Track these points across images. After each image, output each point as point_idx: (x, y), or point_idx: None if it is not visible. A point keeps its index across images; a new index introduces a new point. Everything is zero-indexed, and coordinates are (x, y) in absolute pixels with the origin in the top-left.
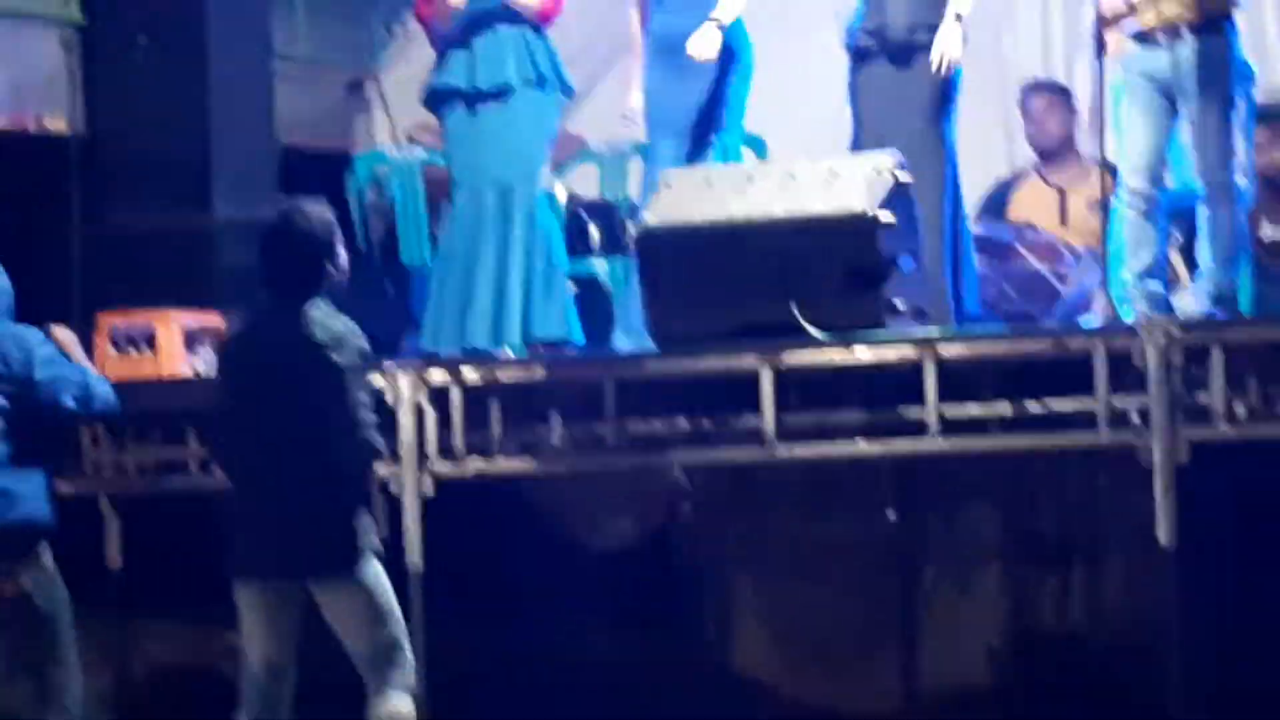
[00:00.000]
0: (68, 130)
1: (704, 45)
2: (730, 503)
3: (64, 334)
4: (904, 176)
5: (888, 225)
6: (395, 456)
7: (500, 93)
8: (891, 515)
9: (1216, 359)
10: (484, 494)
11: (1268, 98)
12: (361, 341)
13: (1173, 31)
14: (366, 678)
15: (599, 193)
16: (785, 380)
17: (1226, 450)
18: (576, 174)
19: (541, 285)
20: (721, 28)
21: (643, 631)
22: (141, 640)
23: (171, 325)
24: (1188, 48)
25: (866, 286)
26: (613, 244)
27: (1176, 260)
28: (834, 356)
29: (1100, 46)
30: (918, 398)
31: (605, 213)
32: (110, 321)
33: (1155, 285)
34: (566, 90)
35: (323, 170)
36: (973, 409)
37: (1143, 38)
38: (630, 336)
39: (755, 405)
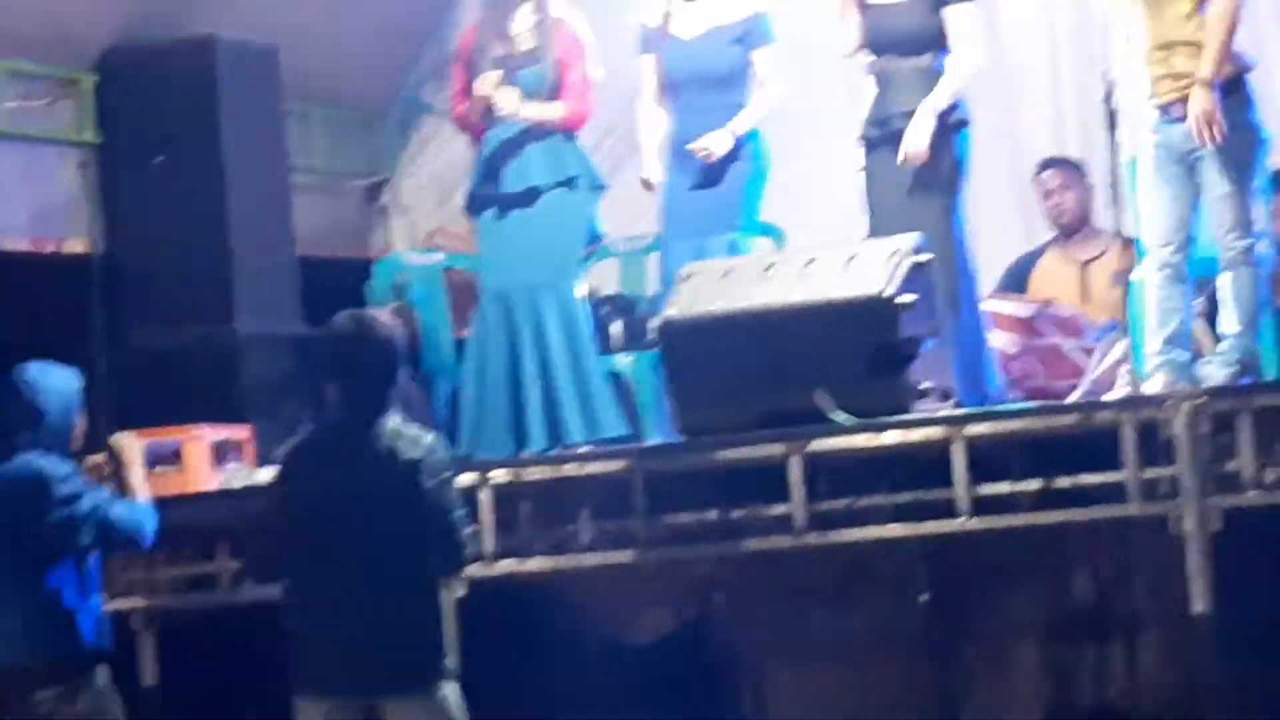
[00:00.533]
0: (88, 251)
1: (715, 145)
2: (764, 593)
3: (127, 443)
4: (922, 258)
5: (908, 307)
6: None
7: (528, 196)
8: (925, 597)
9: (1244, 425)
10: (517, 594)
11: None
12: (445, 450)
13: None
14: None
15: (619, 288)
16: (813, 467)
17: (1259, 516)
18: (596, 270)
19: (593, 384)
20: (736, 136)
21: None
22: None
23: (199, 441)
24: None
25: (890, 369)
26: (634, 339)
27: (1200, 329)
28: (861, 441)
29: (1112, 120)
30: (947, 478)
31: (626, 308)
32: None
33: (1181, 354)
34: (598, 186)
35: (343, 279)
36: (1002, 487)
37: (1162, 109)
38: (659, 431)
39: (784, 493)
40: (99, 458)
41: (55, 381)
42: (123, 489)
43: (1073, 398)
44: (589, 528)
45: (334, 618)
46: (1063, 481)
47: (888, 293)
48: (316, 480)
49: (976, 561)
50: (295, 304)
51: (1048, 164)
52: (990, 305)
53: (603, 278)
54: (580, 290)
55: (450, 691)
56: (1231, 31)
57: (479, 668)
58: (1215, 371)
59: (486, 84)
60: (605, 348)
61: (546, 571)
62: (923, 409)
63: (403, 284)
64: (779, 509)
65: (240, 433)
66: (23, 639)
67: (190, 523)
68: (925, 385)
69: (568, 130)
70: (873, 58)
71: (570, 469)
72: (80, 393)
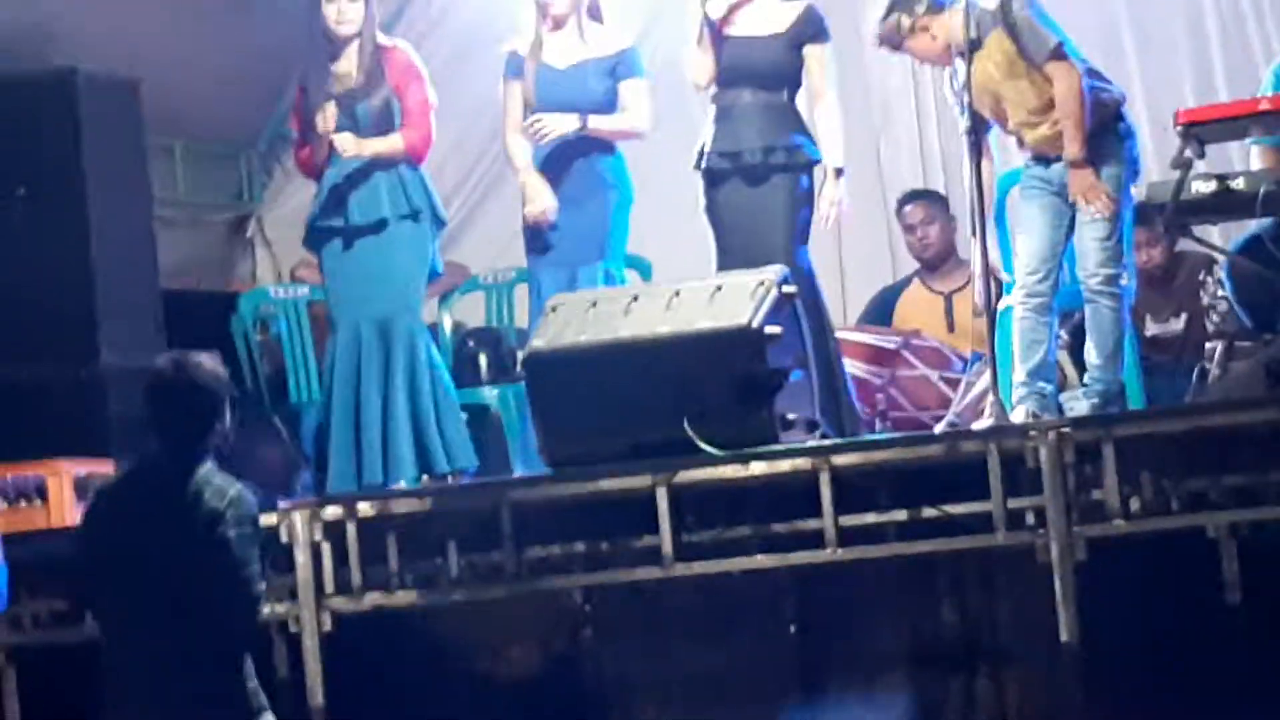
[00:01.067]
0: None
1: (556, 123)
2: (632, 625)
3: None
4: (789, 289)
5: (774, 338)
6: (293, 595)
7: (375, 227)
8: (794, 628)
9: (1108, 455)
10: (384, 628)
11: (1142, 197)
12: (253, 505)
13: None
14: None
15: (485, 321)
16: (681, 498)
17: (1124, 545)
18: (462, 304)
19: (435, 417)
20: (583, 125)
21: None
22: None
23: (62, 475)
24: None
25: (757, 400)
26: (502, 372)
27: (1064, 360)
28: (729, 472)
29: (977, 153)
30: (815, 509)
31: (493, 341)
32: None
33: (1045, 386)
34: (439, 221)
35: (208, 313)
36: (869, 518)
37: (1034, 159)
38: (526, 464)
39: (652, 525)
40: None
41: None
42: None
43: (939, 428)
44: (456, 561)
45: (135, 664)
46: (929, 511)
47: (754, 324)
48: (119, 524)
49: (845, 592)
50: (159, 338)
51: (909, 198)
52: (855, 336)
53: (469, 311)
54: (447, 324)
55: None
56: (1083, 103)
57: (346, 703)
58: (1079, 404)
59: (327, 119)
60: (473, 380)
61: (414, 605)
62: (790, 440)
63: (268, 317)
64: (647, 540)
65: (103, 467)
66: None
67: (53, 558)
68: (792, 416)
69: (412, 158)
70: (720, 89)
71: (437, 502)
72: None
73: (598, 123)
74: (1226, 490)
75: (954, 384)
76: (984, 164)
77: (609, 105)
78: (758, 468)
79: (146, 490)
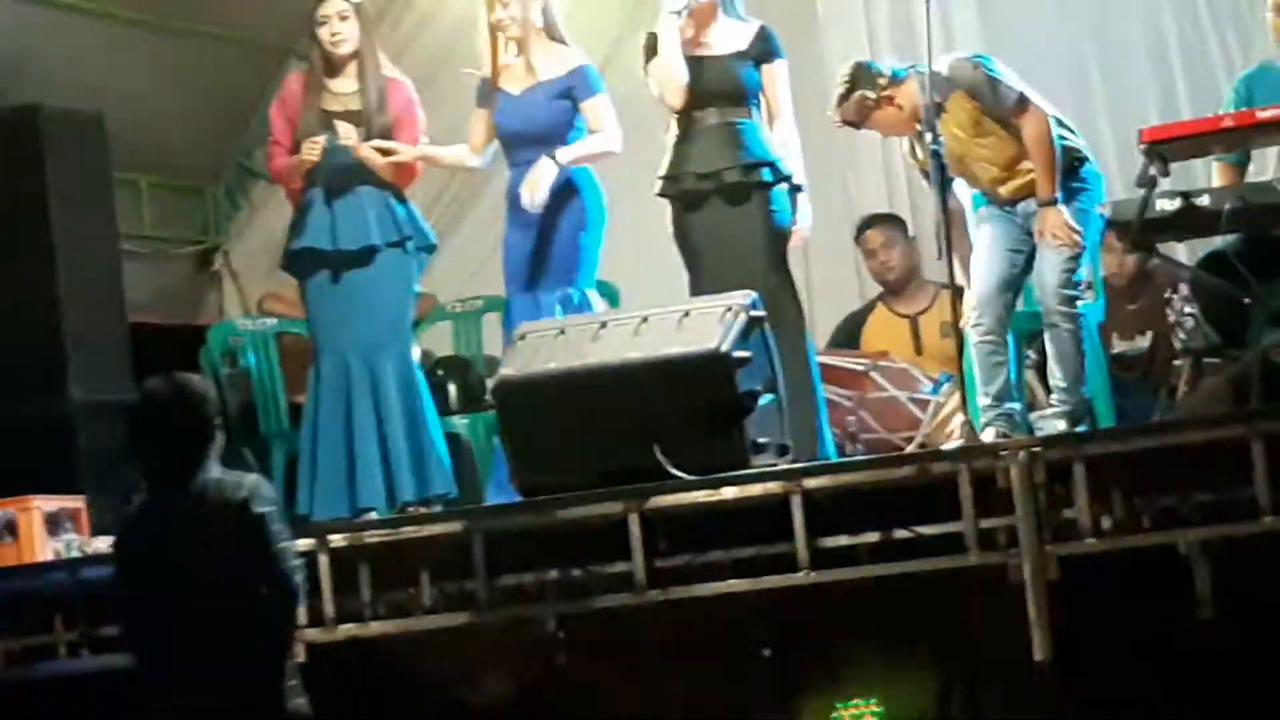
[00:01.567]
0: None
1: (539, 177)
2: (605, 651)
3: None
4: (757, 313)
5: (743, 362)
6: None
7: (364, 255)
8: (767, 652)
9: (1079, 474)
10: (358, 659)
11: (1108, 215)
12: (270, 487)
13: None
14: None
15: (454, 350)
16: (653, 524)
17: (1096, 563)
18: (430, 333)
19: (426, 444)
20: (557, 164)
21: None
22: None
23: (32, 511)
24: None
25: (727, 424)
26: (471, 401)
27: (1033, 381)
28: (700, 497)
29: (942, 174)
30: (787, 533)
31: (462, 369)
32: None
33: (1013, 405)
34: (428, 247)
35: (175, 346)
36: (842, 540)
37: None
38: (497, 492)
39: (624, 551)
40: None
41: None
42: None
43: (909, 449)
44: (429, 590)
45: (181, 683)
46: (901, 533)
47: (723, 349)
48: (150, 554)
49: (818, 615)
50: (127, 372)
51: (869, 223)
52: (824, 359)
53: (436, 341)
54: (416, 353)
55: None
56: (1052, 145)
57: None
58: (1048, 425)
59: (315, 150)
60: (442, 409)
61: (387, 635)
62: (760, 464)
63: (236, 349)
64: (619, 567)
65: (74, 502)
66: None
67: (26, 593)
68: (762, 440)
69: (398, 186)
70: (683, 111)
71: (409, 531)
72: None
73: (566, 154)
74: (1197, 506)
75: (923, 405)
76: (955, 184)
77: (566, 127)
78: (729, 492)
79: (168, 514)
